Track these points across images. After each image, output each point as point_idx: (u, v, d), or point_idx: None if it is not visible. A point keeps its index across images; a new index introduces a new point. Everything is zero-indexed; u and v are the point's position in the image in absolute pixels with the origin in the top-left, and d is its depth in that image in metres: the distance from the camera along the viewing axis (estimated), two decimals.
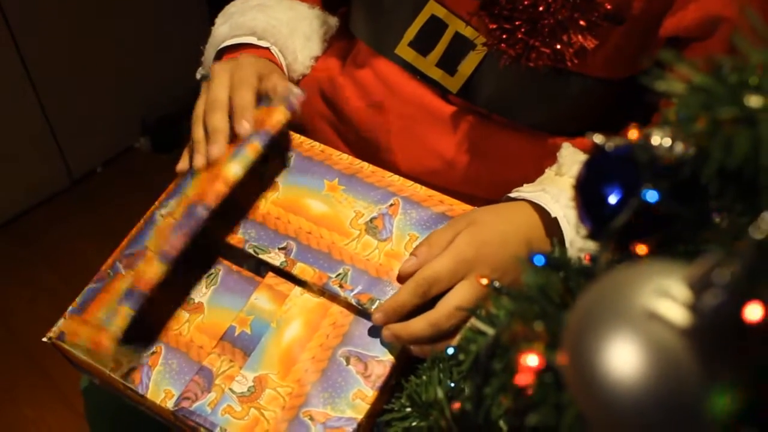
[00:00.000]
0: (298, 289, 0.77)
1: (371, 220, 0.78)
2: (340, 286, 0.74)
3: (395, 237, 0.77)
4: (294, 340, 0.74)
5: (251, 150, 0.75)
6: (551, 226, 0.73)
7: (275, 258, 0.77)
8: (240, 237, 0.79)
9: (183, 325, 0.77)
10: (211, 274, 0.79)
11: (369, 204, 0.80)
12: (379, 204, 0.79)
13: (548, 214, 0.73)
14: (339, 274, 0.75)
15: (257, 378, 0.72)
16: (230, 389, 0.71)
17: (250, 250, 0.78)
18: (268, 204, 0.81)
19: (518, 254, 0.69)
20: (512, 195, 0.77)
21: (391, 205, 0.79)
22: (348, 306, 0.75)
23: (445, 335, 0.69)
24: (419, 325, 0.69)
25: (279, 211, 0.81)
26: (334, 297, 0.75)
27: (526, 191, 0.76)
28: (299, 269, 0.76)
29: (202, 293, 0.78)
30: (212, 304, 0.78)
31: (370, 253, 0.76)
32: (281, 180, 0.83)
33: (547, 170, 0.79)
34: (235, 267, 0.80)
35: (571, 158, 0.77)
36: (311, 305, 0.76)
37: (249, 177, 0.76)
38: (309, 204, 0.81)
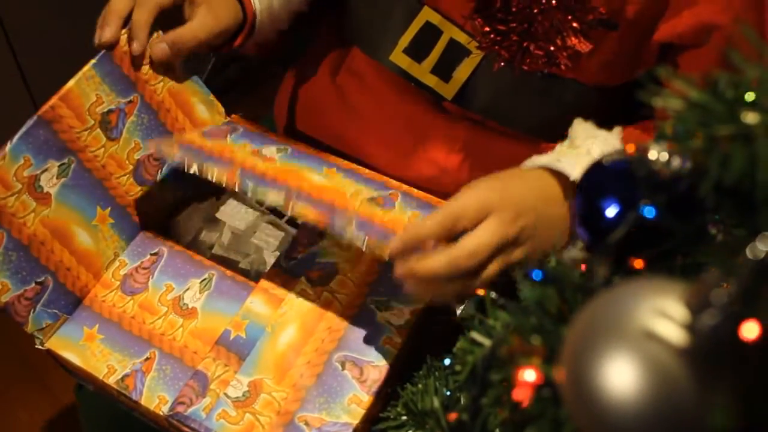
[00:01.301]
0: (293, 294, 0.76)
1: (372, 198, 0.77)
2: (344, 229, 0.71)
3: (398, 208, 0.75)
4: (289, 344, 0.73)
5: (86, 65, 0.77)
6: (568, 190, 0.70)
7: (274, 198, 0.74)
8: (238, 180, 0.76)
9: (176, 330, 0.76)
10: (205, 279, 0.79)
11: (368, 188, 0.78)
12: (379, 190, 0.78)
13: (566, 179, 0.70)
14: (343, 221, 0.73)
15: (252, 383, 0.71)
16: (225, 394, 0.71)
17: (248, 192, 0.75)
18: (266, 165, 0.79)
19: (539, 202, 0.67)
20: (526, 164, 0.75)
21: (391, 192, 0.78)
22: (344, 310, 0.75)
23: (463, 276, 0.64)
24: (438, 259, 0.63)
25: (278, 173, 0.78)
26: (331, 300, 0.75)
27: (540, 161, 0.73)
28: (300, 208, 0.73)
29: (195, 298, 0.78)
30: (206, 309, 0.77)
31: (374, 213, 0.74)
32: (278, 157, 0.81)
33: (558, 146, 0.76)
34: (228, 272, 0.80)
35: (584, 133, 0.74)
36: (306, 309, 0.75)
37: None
38: (310, 176, 0.79)
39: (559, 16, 0.72)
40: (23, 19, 1.71)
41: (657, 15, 0.77)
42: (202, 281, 0.79)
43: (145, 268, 0.81)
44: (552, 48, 0.74)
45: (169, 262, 0.81)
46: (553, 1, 0.71)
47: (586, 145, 0.74)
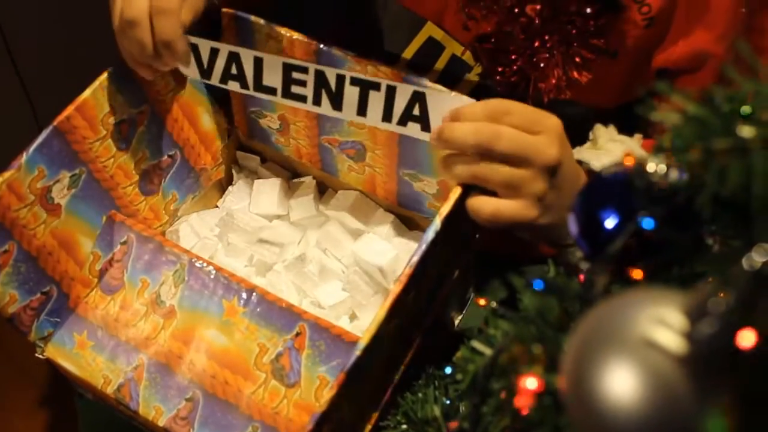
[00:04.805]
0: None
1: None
2: None
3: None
4: None
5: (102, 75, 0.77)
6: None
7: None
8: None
9: (159, 333, 0.74)
10: (177, 270, 0.77)
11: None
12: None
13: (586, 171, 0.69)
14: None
15: None
16: None
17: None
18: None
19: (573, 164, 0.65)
20: None
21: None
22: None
23: (487, 157, 0.62)
24: (464, 128, 0.63)
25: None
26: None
27: None
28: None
29: (171, 294, 0.76)
30: (183, 306, 0.75)
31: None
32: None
33: (577, 148, 0.75)
34: (198, 259, 0.77)
35: (605, 136, 0.74)
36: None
37: None
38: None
39: (561, 50, 0.73)
40: (22, 26, 1.72)
41: (654, 45, 0.78)
42: (174, 273, 0.77)
43: (118, 261, 0.79)
44: (553, 81, 0.74)
45: (138, 253, 0.79)
46: (556, 35, 0.72)
47: (608, 147, 0.74)
